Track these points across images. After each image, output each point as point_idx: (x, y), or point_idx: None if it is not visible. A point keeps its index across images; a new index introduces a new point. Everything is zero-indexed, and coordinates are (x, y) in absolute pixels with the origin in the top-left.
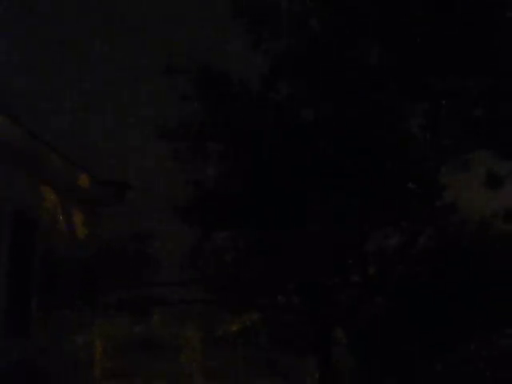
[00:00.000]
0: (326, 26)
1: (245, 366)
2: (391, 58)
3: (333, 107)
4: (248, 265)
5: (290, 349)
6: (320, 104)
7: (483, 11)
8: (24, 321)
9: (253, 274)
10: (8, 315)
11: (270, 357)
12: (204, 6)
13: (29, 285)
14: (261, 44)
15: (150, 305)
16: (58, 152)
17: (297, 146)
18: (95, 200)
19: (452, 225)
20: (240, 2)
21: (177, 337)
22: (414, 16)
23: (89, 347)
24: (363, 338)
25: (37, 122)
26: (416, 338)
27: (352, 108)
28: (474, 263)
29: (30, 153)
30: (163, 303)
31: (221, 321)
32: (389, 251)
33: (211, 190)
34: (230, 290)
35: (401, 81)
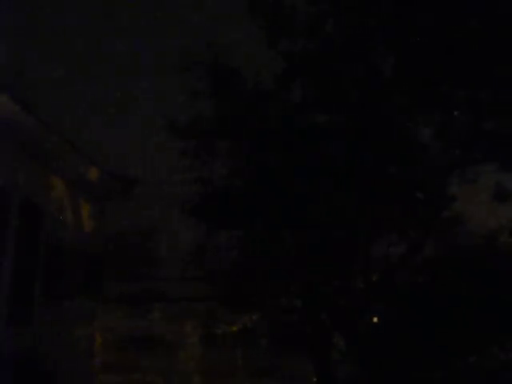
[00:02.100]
0: (341, 29)
1: (244, 366)
2: (404, 64)
3: (344, 111)
4: (251, 264)
5: (290, 351)
6: (331, 107)
7: (498, 23)
8: (27, 309)
9: (256, 274)
10: (11, 303)
11: (269, 358)
12: (220, 3)
13: (33, 273)
14: (276, 44)
15: (151, 300)
16: (69, 143)
17: (306, 148)
18: (103, 193)
19: (458, 236)
20: (257, 1)
21: (176, 334)
22: (429, 24)
23: (89, 339)
24: (363, 343)
25: (49, 116)
26: (416, 346)
27: (363, 113)
28: (477, 275)
29: (42, 142)
30: (164, 299)
31: (221, 320)
32: (393, 259)
33: (218, 188)
34: (232, 288)
35: (413, 88)
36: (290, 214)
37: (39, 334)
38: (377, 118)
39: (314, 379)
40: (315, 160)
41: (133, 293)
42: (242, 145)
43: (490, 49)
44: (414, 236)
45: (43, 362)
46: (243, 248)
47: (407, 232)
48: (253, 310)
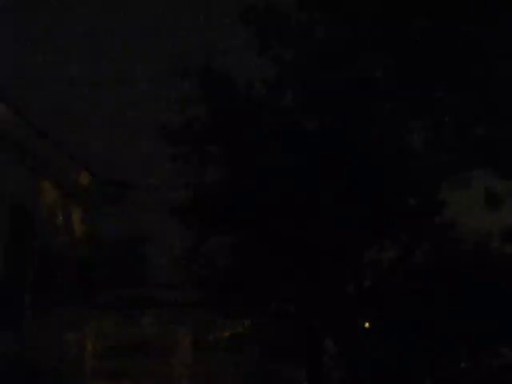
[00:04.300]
0: (332, 36)
1: (235, 371)
2: (396, 71)
3: (335, 117)
4: (243, 269)
5: (281, 357)
6: (322, 113)
7: (490, 30)
8: (17, 315)
9: (246, 279)
10: (1, 309)
11: (261, 364)
12: (211, 9)
13: (23, 278)
14: (267, 50)
15: (142, 306)
16: (59, 148)
17: (297, 153)
18: (94, 198)
19: (449, 241)
20: (248, 8)
21: (168, 340)
22: (420, 30)
23: (80, 345)
24: (354, 349)
25: (39, 121)
26: (407, 352)
27: (354, 119)
28: (468, 281)
29: (32, 147)
30: (155, 305)
31: (213, 325)
32: (384, 264)
33: (209, 193)
34: (224, 293)
35: (405, 93)
36: (280, 219)
37: (28, 340)
38: (368, 122)
39: None
40: (305, 165)
41: (124, 298)
42: (233, 150)
43: (482, 55)
44: (406, 241)
45: (32, 367)
46: (234, 253)
47: (399, 237)
48: (244, 315)
